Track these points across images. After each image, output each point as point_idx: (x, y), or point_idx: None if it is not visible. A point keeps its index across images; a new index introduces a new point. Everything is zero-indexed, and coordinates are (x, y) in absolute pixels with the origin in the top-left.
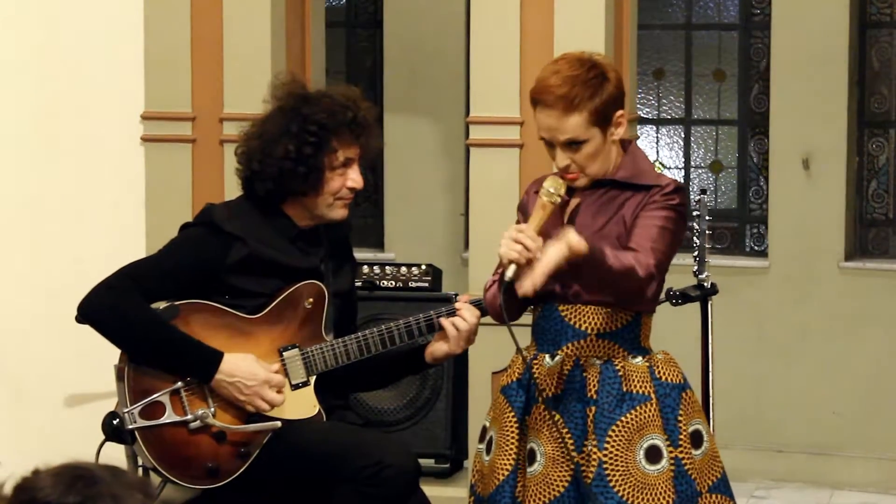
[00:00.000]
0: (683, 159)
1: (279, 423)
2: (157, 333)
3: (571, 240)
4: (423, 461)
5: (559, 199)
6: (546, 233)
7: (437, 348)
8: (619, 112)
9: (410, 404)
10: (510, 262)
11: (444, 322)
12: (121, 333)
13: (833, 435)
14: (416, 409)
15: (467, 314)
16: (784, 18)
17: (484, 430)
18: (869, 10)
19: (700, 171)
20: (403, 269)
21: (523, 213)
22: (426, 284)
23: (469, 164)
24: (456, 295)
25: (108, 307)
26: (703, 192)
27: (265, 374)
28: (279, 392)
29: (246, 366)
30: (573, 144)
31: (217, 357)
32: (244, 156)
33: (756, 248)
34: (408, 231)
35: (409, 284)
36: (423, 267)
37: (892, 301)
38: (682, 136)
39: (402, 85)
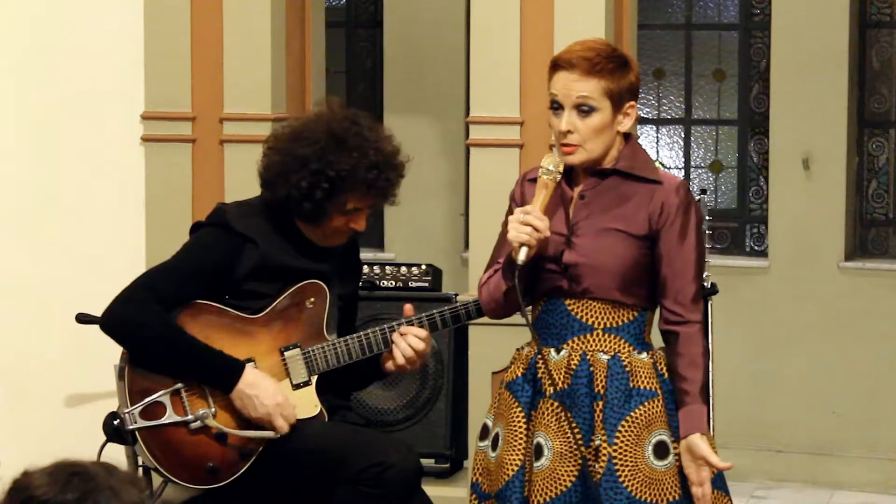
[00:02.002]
0: (683, 159)
1: (276, 434)
2: (179, 344)
3: (716, 462)
4: (422, 461)
5: (559, 176)
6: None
7: (390, 365)
8: (632, 102)
9: (410, 404)
10: (521, 244)
11: (397, 345)
12: (143, 346)
13: (833, 435)
14: (416, 409)
15: (415, 341)
16: (784, 18)
17: (485, 428)
18: (869, 10)
19: (700, 171)
20: (403, 269)
21: (518, 204)
22: (426, 284)
23: (469, 164)
24: (456, 295)
25: (128, 320)
26: (703, 192)
27: (283, 400)
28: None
29: (269, 384)
30: (583, 110)
31: (239, 367)
32: (265, 163)
33: (756, 248)
34: (408, 231)
35: (409, 284)
36: (423, 267)
37: (892, 301)
38: (682, 136)
39: (402, 85)
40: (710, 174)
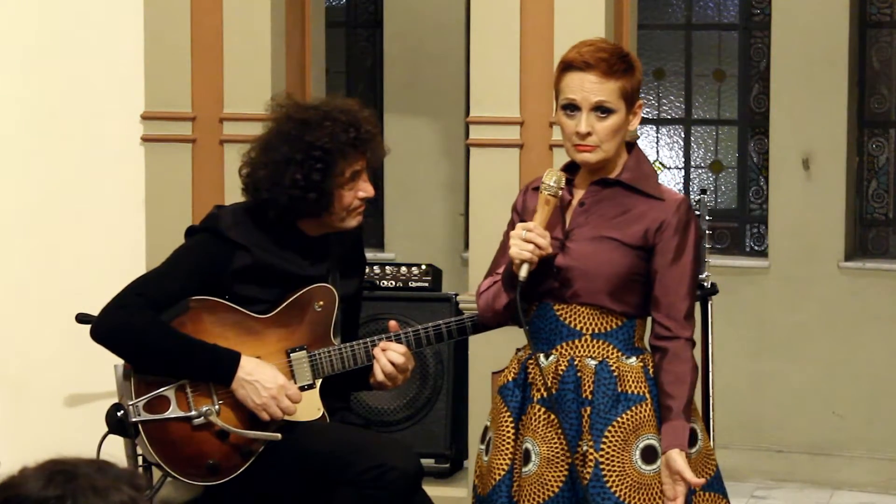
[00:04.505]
0: (683, 159)
1: (279, 436)
2: (174, 344)
3: (690, 478)
4: (423, 461)
5: (561, 192)
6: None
7: (372, 380)
8: (640, 102)
9: (410, 404)
10: (522, 262)
11: (378, 360)
12: (136, 351)
13: (833, 435)
14: (416, 409)
15: (394, 356)
16: (784, 18)
17: (485, 431)
18: (869, 10)
19: (700, 171)
20: (403, 269)
21: (519, 213)
22: (426, 284)
23: (469, 164)
24: (456, 295)
25: (120, 327)
26: (703, 192)
27: (284, 381)
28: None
29: (267, 369)
30: (601, 111)
31: (235, 357)
32: (252, 186)
33: (756, 248)
34: (408, 231)
35: (409, 284)
36: (423, 267)
37: (892, 301)
38: (682, 136)
39: (402, 85)
40: (710, 174)
